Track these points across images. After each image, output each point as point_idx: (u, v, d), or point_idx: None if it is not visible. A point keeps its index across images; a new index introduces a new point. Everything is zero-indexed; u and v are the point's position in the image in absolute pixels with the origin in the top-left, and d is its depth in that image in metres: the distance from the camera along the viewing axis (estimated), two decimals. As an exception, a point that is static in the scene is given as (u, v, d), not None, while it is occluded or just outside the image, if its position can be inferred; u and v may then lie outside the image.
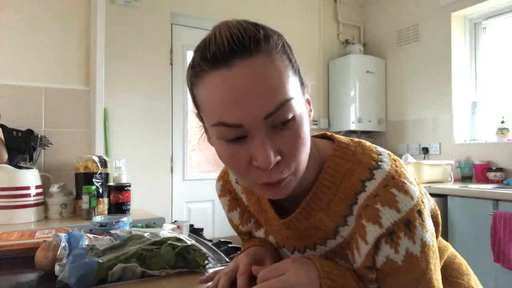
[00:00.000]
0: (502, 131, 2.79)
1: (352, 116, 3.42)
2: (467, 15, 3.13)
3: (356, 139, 0.66)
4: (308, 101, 0.60)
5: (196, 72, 0.54)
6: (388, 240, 0.55)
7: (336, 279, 0.57)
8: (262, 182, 0.55)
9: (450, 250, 0.80)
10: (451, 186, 2.58)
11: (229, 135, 0.53)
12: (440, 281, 0.60)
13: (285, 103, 0.51)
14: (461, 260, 0.79)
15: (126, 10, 2.73)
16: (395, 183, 0.57)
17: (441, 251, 0.76)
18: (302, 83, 0.58)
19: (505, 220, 2.09)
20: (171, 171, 2.92)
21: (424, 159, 3.21)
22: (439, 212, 0.70)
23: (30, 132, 1.75)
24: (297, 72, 0.56)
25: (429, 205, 0.66)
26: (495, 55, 3.03)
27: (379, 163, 0.60)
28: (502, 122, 2.82)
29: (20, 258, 0.92)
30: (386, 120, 3.63)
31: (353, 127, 3.40)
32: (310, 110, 0.61)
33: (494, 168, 2.75)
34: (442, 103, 3.16)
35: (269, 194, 0.57)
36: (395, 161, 0.62)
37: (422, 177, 2.70)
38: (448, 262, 0.77)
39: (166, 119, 2.83)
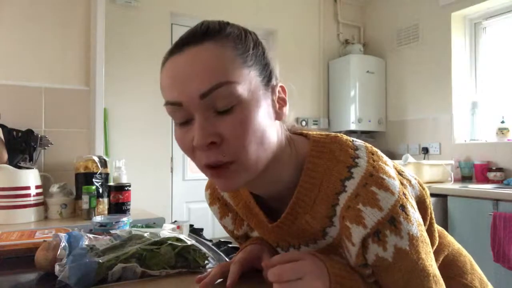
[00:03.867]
0: (502, 131, 2.79)
1: (352, 116, 3.42)
2: (467, 15, 3.13)
3: (333, 134, 0.65)
4: (280, 100, 0.61)
5: (162, 63, 0.59)
6: (375, 239, 0.55)
7: (344, 281, 0.56)
8: (202, 164, 0.56)
9: (454, 247, 0.78)
10: (451, 186, 2.58)
11: (176, 117, 0.57)
12: (434, 265, 0.60)
13: (222, 84, 0.53)
14: (466, 258, 0.78)
15: (126, 10, 2.73)
16: (374, 180, 0.56)
17: (442, 246, 0.76)
18: (268, 78, 0.59)
19: (505, 220, 2.09)
20: (171, 171, 2.92)
21: (424, 159, 3.21)
22: (427, 195, 0.68)
23: (30, 132, 1.75)
24: (259, 66, 0.58)
25: (414, 192, 0.65)
26: (495, 55, 3.03)
27: (356, 160, 0.59)
28: (502, 122, 2.82)
29: (20, 258, 0.92)
30: (386, 120, 3.63)
31: (353, 127, 3.40)
32: (280, 108, 0.61)
33: (494, 168, 2.75)
34: (442, 103, 3.16)
35: (217, 183, 0.59)
36: (372, 154, 0.61)
37: (422, 177, 2.70)
38: (452, 259, 0.76)
39: (166, 119, 2.83)
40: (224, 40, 0.55)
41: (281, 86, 0.62)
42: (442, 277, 0.62)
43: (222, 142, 0.54)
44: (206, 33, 0.55)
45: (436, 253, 0.73)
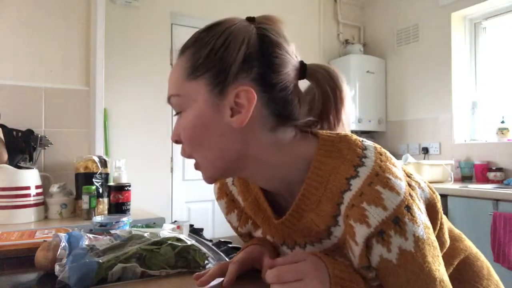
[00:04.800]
0: (502, 131, 2.79)
1: (352, 116, 3.42)
2: (467, 15, 3.13)
3: (343, 133, 0.64)
4: (237, 106, 0.59)
5: None
6: (379, 239, 0.54)
7: (345, 283, 0.56)
8: None
9: (472, 251, 0.77)
10: (451, 186, 2.58)
11: None
12: (442, 270, 0.59)
13: (171, 96, 0.64)
14: (483, 263, 0.77)
15: (126, 10, 2.73)
16: (379, 179, 0.56)
17: (459, 250, 0.75)
18: (222, 85, 0.59)
19: (505, 220, 2.09)
20: (171, 171, 2.92)
21: (424, 159, 3.21)
22: (438, 199, 0.67)
23: (30, 132, 1.76)
24: (211, 73, 0.59)
25: (423, 195, 0.64)
26: (495, 55, 3.03)
27: (363, 159, 0.58)
28: (502, 122, 2.82)
29: (20, 258, 0.92)
30: (386, 120, 3.63)
31: (353, 127, 3.40)
32: (232, 115, 0.59)
33: (494, 168, 2.75)
34: (442, 103, 3.16)
35: None
36: (381, 155, 0.60)
37: (422, 177, 2.70)
38: (468, 263, 0.75)
39: (166, 119, 2.83)
40: (185, 53, 0.62)
41: (244, 90, 0.58)
42: (457, 281, 0.60)
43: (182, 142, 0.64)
44: (184, 46, 0.64)
45: (451, 257, 0.72)
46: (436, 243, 0.59)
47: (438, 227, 0.67)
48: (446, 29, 3.12)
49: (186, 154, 0.65)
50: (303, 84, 0.69)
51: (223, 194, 0.79)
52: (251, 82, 0.59)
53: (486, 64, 3.09)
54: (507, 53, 2.93)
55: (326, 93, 0.66)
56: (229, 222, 0.81)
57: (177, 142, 0.65)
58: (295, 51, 0.66)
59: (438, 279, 0.56)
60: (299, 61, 0.65)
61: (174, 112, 0.65)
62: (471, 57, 3.16)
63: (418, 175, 0.68)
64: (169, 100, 0.65)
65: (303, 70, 0.65)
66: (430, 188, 0.68)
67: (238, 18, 0.64)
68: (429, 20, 3.26)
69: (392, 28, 3.57)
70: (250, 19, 0.65)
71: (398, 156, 3.28)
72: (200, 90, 0.60)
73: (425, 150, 3.26)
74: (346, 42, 3.72)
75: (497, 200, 2.17)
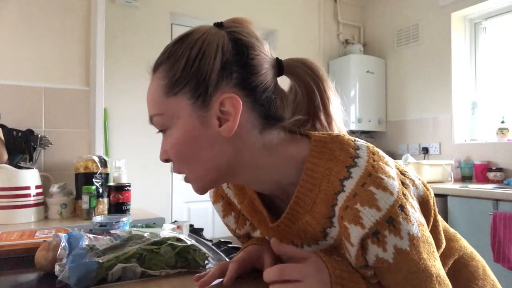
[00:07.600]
0: (502, 131, 2.79)
1: (352, 116, 3.42)
2: (467, 15, 3.13)
3: (335, 133, 0.64)
4: (223, 114, 0.58)
5: None
6: (374, 240, 0.54)
7: (345, 283, 0.56)
8: None
9: (467, 251, 0.77)
10: (451, 186, 2.57)
11: None
12: (438, 265, 0.59)
13: (153, 116, 0.62)
14: (479, 263, 0.76)
15: (126, 10, 2.73)
16: (372, 180, 0.55)
17: (453, 250, 0.74)
18: (203, 96, 0.58)
19: (505, 220, 2.09)
20: (171, 171, 2.92)
21: (424, 159, 3.21)
22: (432, 196, 0.67)
23: (30, 132, 1.76)
24: (190, 86, 0.58)
25: (417, 192, 0.64)
26: (495, 55, 3.03)
27: (356, 159, 0.58)
28: (502, 122, 2.82)
29: (20, 258, 0.92)
30: (386, 120, 3.63)
31: (353, 127, 3.40)
32: (220, 125, 0.59)
33: (494, 168, 2.75)
34: (442, 103, 3.16)
35: None
36: (373, 154, 0.60)
37: (422, 177, 2.69)
38: (462, 263, 0.74)
39: (166, 119, 2.83)
40: (159, 69, 0.61)
41: (229, 98, 0.58)
42: (452, 281, 0.60)
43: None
44: (156, 63, 0.62)
45: (446, 257, 0.72)
46: (431, 239, 0.59)
47: (431, 223, 0.67)
48: (446, 29, 3.13)
49: (178, 171, 0.64)
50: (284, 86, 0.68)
51: (218, 197, 0.79)
52: (233, 88, 0.58)
53: (486, 64, 3.09)
54: (507, 53, 2.93)
55: (309, 86, 0.66)
56: (227, 225, 0.81)
57: (166, 161, 0.64)
58: (269, 49, 0.65)
59: (434, 275, 0.57)
60: (274, 58, 0.65)
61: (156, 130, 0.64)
62: (471, 57, 3.16)
63: (412, 171, 0.68)
64: (151, 120, 0.63)
65: (280, 66, 0.65)
66: (424, 185, 0.67)
67: (206, 25, 0.62)
68: (429, 20, 3.26)
69: (392, 28, 3.57)
70: (218, 25, 0.63)
71: (398, 156, 3.28)
72: (183, 106, 0.59)
73: (425, 150, 3.26)
74: (346, 42, 3.72)
75: (497, 200, 2.17)
